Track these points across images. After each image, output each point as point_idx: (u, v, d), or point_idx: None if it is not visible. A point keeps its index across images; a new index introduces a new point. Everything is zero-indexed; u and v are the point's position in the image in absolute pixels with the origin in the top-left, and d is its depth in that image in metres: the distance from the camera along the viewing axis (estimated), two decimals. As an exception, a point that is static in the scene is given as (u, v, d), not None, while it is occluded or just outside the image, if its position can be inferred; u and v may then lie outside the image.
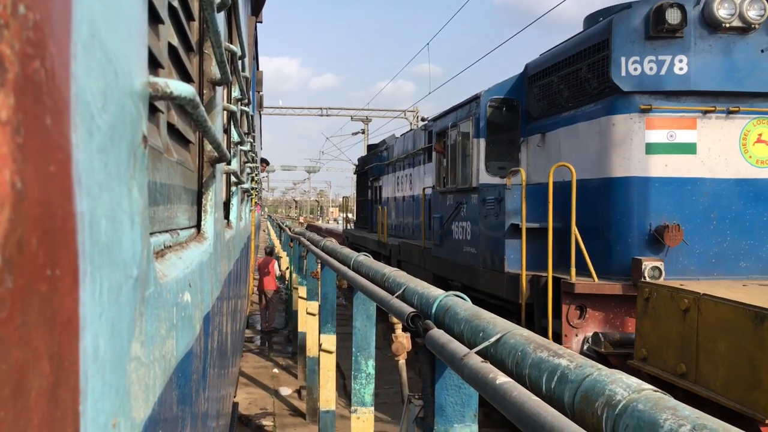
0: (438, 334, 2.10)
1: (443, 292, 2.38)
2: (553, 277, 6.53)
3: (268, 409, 8.11)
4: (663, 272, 6.12)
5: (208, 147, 1.89)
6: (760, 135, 6.59)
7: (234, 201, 3.29)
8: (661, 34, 6.40)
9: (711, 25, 6.44)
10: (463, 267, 8.88)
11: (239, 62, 2.75)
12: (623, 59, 6.50)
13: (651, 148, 6.55)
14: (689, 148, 6.55)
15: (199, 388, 1.51)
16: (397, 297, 2.75)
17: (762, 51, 6.46)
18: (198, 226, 1.83)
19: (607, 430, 1.17)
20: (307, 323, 8.09)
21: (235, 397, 6.38)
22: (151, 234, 1.08)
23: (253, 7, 5.90)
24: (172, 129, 1.46)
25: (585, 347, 6.26)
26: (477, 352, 1.79)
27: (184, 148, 1.69)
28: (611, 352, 5.79)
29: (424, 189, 11.28)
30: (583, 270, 6.41)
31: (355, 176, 21.10)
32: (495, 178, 8.28)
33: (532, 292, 6.92)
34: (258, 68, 10.75)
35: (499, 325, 1.83)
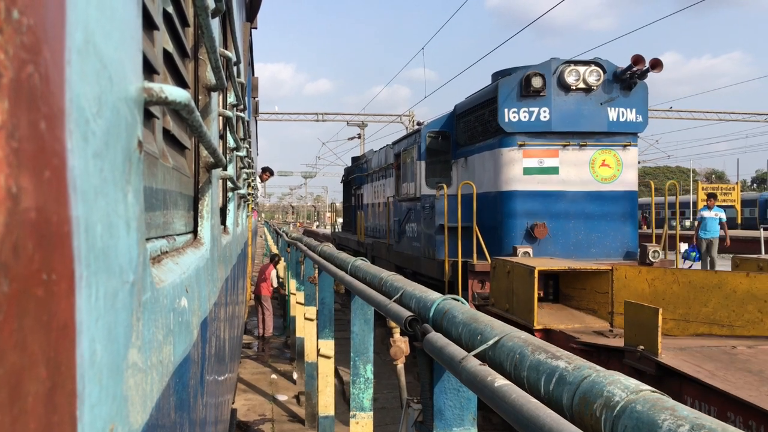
0: (436, 337, 2.10)
1: (440, 295, 2.37)
2: (463, 261, 9.15)
3: (267, 415, 8.09)
4: (531, 255, 8.73)
5: (204, 153, 1.89)
6: (604, 161, 9.39)
7: (230, 206, 3.28)
8: (530, 94, 9.15)
9: (564, 87, 9.23)
10: (413, 257, 11.63)
11: (234, 68, 2.75)
12: (506, 110, 9.26)
13: (527, 171, 9.31)
14: (554, 171, 9.33)
15: (197, 394, 1.51)
16: (394, 301, 2.75)
17: (601, 104, 9.29)
18: (195, 231, 1.83)
19: None
20: (305, 329, 8.07)
21: (233, 403, 6.36)
22: (148, 239, 1.07)
23: (248, 13, 5.92)
24: (167, 135, 1.46)
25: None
26: (475, 355, 1.78)
27: (180, 153, 1.69)
28: (480, 304, 8.17)
29: (388, 197, 13.82)
30: (483, 256, 9.00)
31: (342, 184, 22.47)
32: (433, 191, 10.70)
33: (452, 273, 9.44)
34: (253, 74, 10.78)
35: (497, 328, 1.83)
